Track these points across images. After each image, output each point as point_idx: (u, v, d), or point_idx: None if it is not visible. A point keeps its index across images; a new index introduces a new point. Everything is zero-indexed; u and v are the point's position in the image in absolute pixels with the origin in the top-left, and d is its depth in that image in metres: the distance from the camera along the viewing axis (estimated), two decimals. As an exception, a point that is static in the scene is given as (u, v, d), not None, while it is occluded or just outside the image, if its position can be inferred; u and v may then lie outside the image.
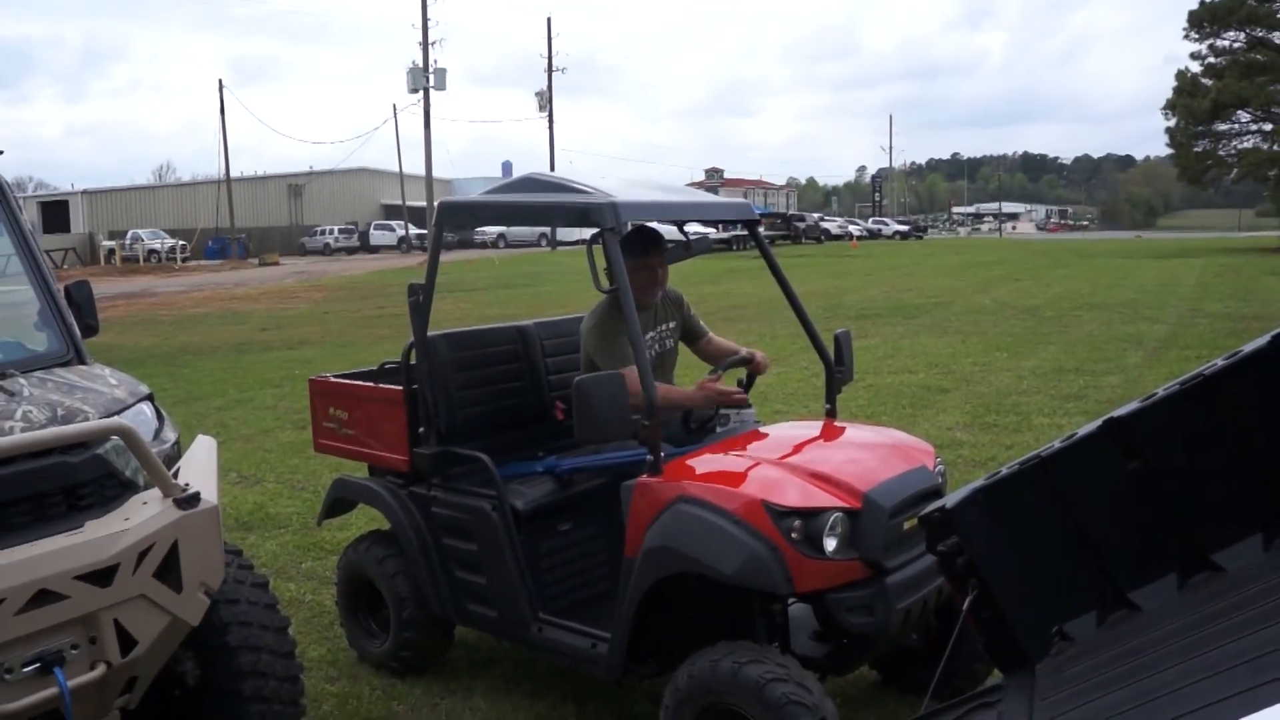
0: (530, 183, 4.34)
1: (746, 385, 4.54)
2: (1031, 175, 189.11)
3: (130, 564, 2.92)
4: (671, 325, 4.75)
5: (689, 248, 4.41)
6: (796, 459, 3.86)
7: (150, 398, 3.83)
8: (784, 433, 4.31)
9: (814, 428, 4.35)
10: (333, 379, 5.05)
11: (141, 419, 3.63)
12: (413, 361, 4.54)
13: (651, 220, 4.35)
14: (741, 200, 5.03)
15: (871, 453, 3.98)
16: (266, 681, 3.53)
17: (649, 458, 3.78)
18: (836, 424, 4.43)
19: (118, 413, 3.43)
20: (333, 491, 4.99)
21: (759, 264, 4.17)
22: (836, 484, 3.63)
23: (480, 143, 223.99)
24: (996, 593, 2.78)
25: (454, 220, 4.52)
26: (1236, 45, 45.47)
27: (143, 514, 3.00)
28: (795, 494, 3.54)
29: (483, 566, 4.32)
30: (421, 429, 4.50)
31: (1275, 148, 44.92)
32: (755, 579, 3.44)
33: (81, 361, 3.82)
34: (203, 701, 3.54)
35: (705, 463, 3.88)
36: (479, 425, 4.63)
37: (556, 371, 4.95)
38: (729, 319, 18.70)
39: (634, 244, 4.42)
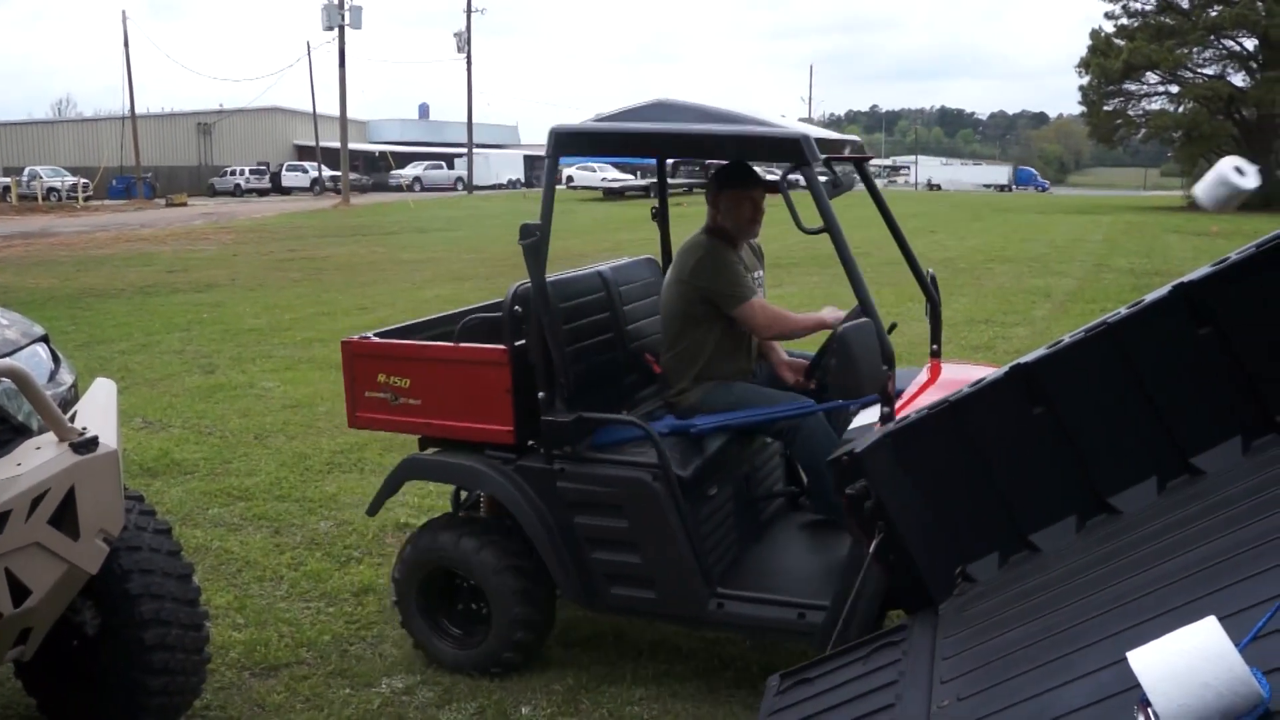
0: (663, 109, 3.87)
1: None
2: (948, 130, 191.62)
3: (23, 511, 2.82)
4: (760, 274, 4.49)
5: (838, 185, 4.06)
6: None
7: (45, 339, 3.69)
8: (960, 374, 3.96)
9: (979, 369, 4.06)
10: (377, 339, 4.29)
11: (35, 361, 3.50)
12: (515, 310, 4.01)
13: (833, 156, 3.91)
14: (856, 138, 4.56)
15: None
16: (169, 630, 3.46)
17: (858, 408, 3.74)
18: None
19: (9, 354, 3.30)
20: (400, 474, 4.26)
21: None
22: None
23: (398, 84, 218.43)
24: (903, 535, 2.84)
25: (574, 149, 3.91)
26: (1148, 8, 46.42)
27: (36, 459, 2.89)
28: None
29: (638, 544, 3.87)
30: (542, 394, 3.90)
31: (1180, 110, 46.14)
32: None
33: (-31, 300, 3.65)
34: (103, 651, 3.46)
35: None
36: (580, 384, 4.06)
37: (631, 321, 4.58)
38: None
39: (737, 173, 4.24)
